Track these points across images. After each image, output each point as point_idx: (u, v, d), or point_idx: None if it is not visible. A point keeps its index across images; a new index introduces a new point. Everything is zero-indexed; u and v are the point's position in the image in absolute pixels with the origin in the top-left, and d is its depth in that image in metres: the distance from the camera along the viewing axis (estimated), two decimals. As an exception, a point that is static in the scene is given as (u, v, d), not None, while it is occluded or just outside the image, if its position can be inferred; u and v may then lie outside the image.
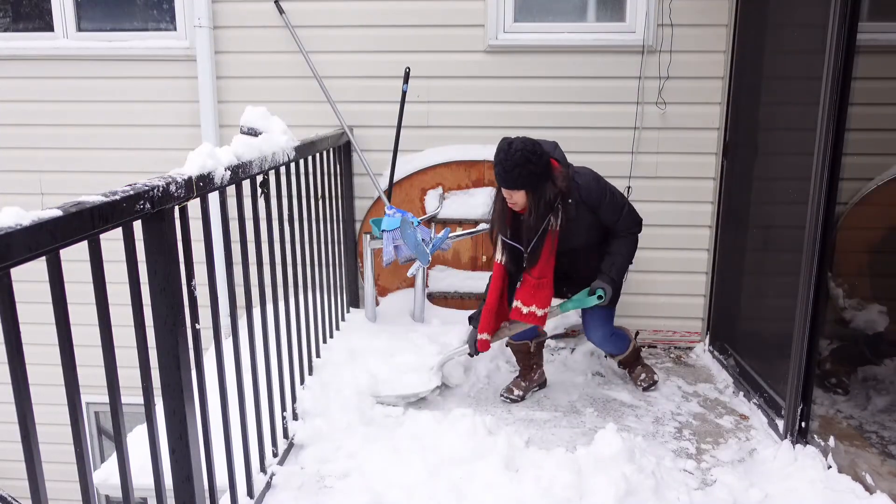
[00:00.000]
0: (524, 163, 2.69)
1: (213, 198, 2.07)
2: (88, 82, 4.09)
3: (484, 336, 3.03)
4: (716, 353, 3.80)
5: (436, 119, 3.97)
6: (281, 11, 3.86)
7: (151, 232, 1.70)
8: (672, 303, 4.05)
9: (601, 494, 2.33)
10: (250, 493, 2.34)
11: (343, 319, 3.77)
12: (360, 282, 4.08)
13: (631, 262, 3.02)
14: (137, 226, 1.62)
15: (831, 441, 2.61)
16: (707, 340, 3.96)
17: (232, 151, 2.15)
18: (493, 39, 3.85)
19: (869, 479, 2.41)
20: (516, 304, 2.98)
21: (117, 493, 1.77)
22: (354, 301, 4.09)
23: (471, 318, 3.19)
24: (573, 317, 3.75)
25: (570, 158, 2.96)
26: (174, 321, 1.76)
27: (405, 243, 3.29)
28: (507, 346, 3.36)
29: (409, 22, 3.87)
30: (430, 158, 3.93)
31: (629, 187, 3.86)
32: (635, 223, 2.98)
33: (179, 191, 1.75)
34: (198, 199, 1.90)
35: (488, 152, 3.88)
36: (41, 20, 4.09)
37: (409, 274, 3.58)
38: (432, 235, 3.39)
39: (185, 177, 1.80)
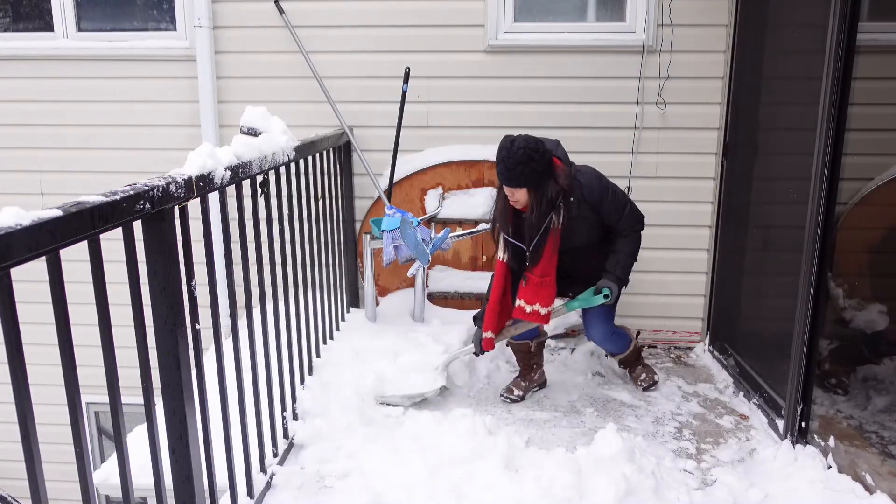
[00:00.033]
0: (526, 160, 2.69)
1: (213, 198, 2.07)
2: (88, 82, 4.10)
3: (488, 334, 3.03)
4: (716, 353, 3.80)
5: (436, 119, 3.97)
6: (281, 11, 3.86)
7: (151, 232, 1.70)
8: (672, 303, 4.05)
9: (601, 494, 2.33)
10: (250, 493, 2.34)
11: (343, 319, 3.77)
12: (360, 282, 4.08)
13: (636, 260, 3.02)
14: (137, 226, 1.62)
15: (831, 441, 2.61)
16: (707, 340, 3.96)
17: (232, 151, 2.15)
18: (493, 39, 3.85)
19: (869, 479, 2.41)
20: (519, 302, 2.97)
21: (117, 493, 1.77)
22: (354, 301, 4.09)
23: (475, 318, 3.20)
24: (573, 317, 3.76)
25: (570, 158, 2.96)
26: (174, 321, 1.76)
27: (405, 243, 3.29)
28: (507, 345, 3.36)
29: (409, 22, 3.87)
30: (430, 158, 3.94)
31: (629, 187, 3.86)
32: (637, 221, 2.98)
33: (179, 191, 1.75)
34: (198, 199, 1.90)
35: (488, 152, 3.90)
36: (41, 20, 4.09)
37: (409, 274, 3.58)
38: (432, 235, 3.39)
39: (185, 177, 1.80)
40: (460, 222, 3.86)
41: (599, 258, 3.02)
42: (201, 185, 1.88)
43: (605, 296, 2.95)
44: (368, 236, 3.59)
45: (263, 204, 2.48)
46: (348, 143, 3.89)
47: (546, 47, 3.84)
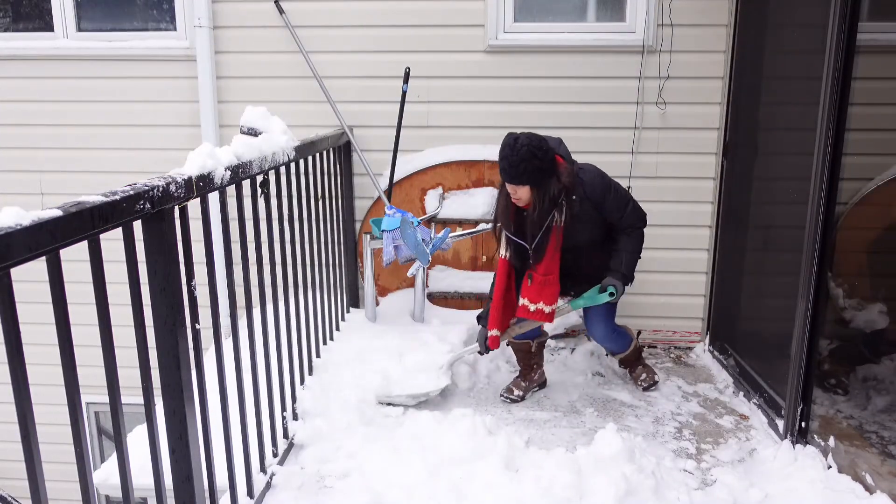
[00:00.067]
0: (530, 158, 2.69)
1: (213, 198, 2.07)
2: (88, 82, 4.10)
3: (494, 332, 3.02)
4: (716, 353, 3.80)
5: (436, 119, 3.97)
6: (281, 11, 3.86)
7: (151, 232, 1.70)
8: (672, 303, 4.05)
9: (601, 494, 2.33)
10: (250, 493, 2.34)
11: (343, 319, 3.77)
12: (360, 282, 4.08)
13: (639, 258, 3.02)
14: (137, 226, 1.62)
15: (831, 441, 2.61)
16: (707, 340, 3.96)
17: (232, 151, 2.15)
18: (493, 39, 3.85)
19: (869, 479, 2.41)
20: (523, 301, 2.97)
21: (117, 493, 1.77)
22: (354, 301, 4.09)
23: (479, 317, 3.19)
24: (573, 317, 3.76)
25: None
26: (174, 321, 1.76)
27: (405, 243, 3.29)
28: (507, 345, 3.36)
29: (409, 22, 3.87)
30: (430, 158, 3.94)
31: (629, 187, 3.86)
32: (639, 219, 2.99)
33: (179, 191, 1.75)
34: (198, 199, 1.90)
35: (488, 152, 3.90)
36: (41, 20, 4.09)
37: (409, 274, 3.58)
38: (432, 235, 3.39)
39: (185, 177, 1.80)
40: (460, 222, 3.86)
41: (601, 257, 3.02)
42: (201, 185, 1.88)
43: (611, 294, 2.95)
44: (368, 236, 3.59)
45: (263, 204, 2.48)
46: (348, 143, 3.89)
47: (546, 47, 3.84)
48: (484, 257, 3.99)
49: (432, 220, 3.82)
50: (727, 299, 3.79)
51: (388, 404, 3.08)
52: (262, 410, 2.46)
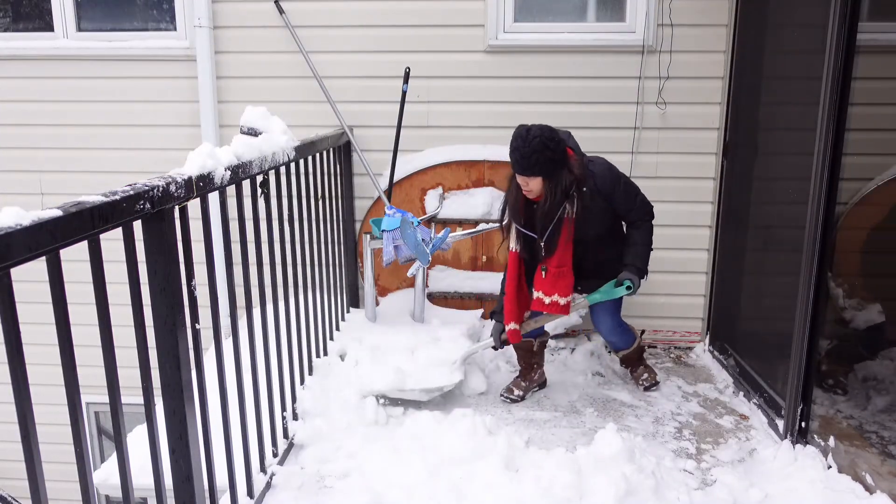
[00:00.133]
0: (542, 149, 2.69)
1: (213, 198, 2.07)
2: (88, 82, 4.09)
3: (512, 326, 3.01)
4: (716, 353, 3.80)
5: (436, 119, 3.97)
6: (281, 11, 3.86)
7: (151, 232, 1.70)
8: (672, 303, 4.05)
9: (601, 494, 2.33)
10: (250, 493, 2.34)
11: (343, 319, 3.77)
12: (360, 282, 4.08)
13: (651, 250, 3.03)
14: (137, 226, 1.63)
15: (831, 441, 2.61)
16: (707, 340, 3.96)
17: (232, 151, 2.15)
18: (493, 39, 3.85)
19: (869, 479, 2.41)
20: (538, 295, 2.97)
21: (117, 493, 1.77)
22: (354, 301, 4.09)
23: (493, 313, 3.19)
24: (573, 317, 3.75)
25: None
26: (174, 321, 1.76)
27: (405, 243, 3.29)
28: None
29: (409, 22, 3.87)
30: (430, 158, 3.93)
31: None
32: (648, 212, 3.00)
33: (179, 191, 1.75)
34: (198, 199, 1.90)
35: (488, 152, 3.90)
36: (41, 20, 4.09)
37: (409, 274, 3.58)
38: (432, 235, 3.39)
39: (185, 177, 1.80)
40: (460, 222, 3.86)
41: (607, 251, 3.03)
42: (201, 185, 1.88)
43: (628, 287, 2.96)
44: (368, 236, 3.59)
45: (263, 204, 2.48)
46: (348, 143, 3.89)
47: (546, 47, 3.84)
48: (484, 257, 3.99)
49: (432, 220, 3.82)
50: (727, 299, 3.79)
51: (398, 400, 3.07)
52: (262, 410, 2.46)
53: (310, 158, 3.13)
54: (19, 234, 1.19)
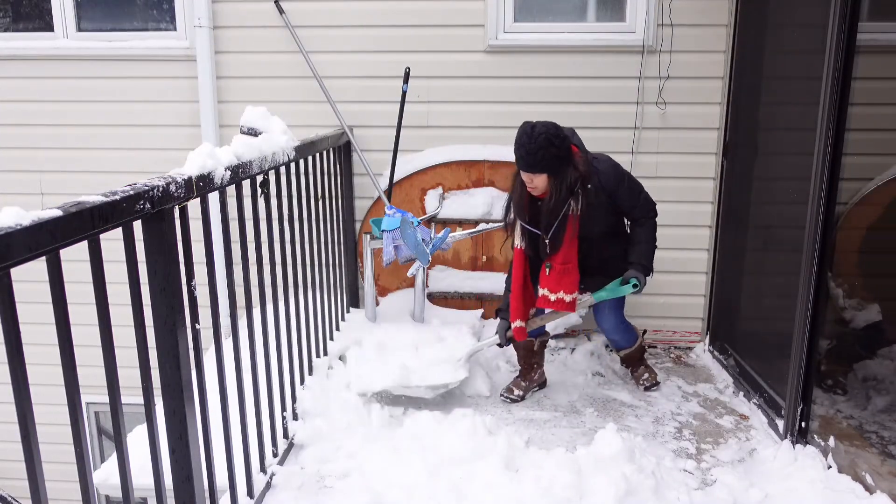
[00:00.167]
0: (547, 146, 2.69)
1: (213, 198, 2.07)
2: (88, 82, 4.09)
3: (518, 324, 3.01)
4: (716, 353, 3.80)
5: (436, 119, 3.97)
6: (281, 11, 3.86)
7: (151, 232, 1.70)
8: (672, 303, 4.05)
9: (601, 494, 2.33)
10: (250, 493, 2.34)
11: (343, 319, 3.77)
12: (360, 282, 4.08)
13: (656, 247, 3.04)
14: (137, 226, 1.62)
15: (831, 441, 2.61)
16: (707, 340, 3.96)
17: (232, 151, 2.15)
18: (493, 39, 3.85)
19: (869, 479, 2.41)
20: (543, 292, 2.97)
21: (117, 493, 1.77)
22: (354, 301, 4.09)
23: (498, 311, 3.19)
24: (573, 317, 3.75)
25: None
26: (174, 321, 1.76)
27: (405, 243, 3.29)
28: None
29: (409, 22, 3.87)
30: (430, 158, 3.93)
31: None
32: (651, 209, 3.01)
33: (179, 191, 1.75)
34: (198, 199, 1.90)
35: (488, 152, 3.90)
36: (41, 20, 4.09)
37: (409, 274, 3.58)
38: (432, 235, 3.39)
39: (185, 177, 1.80)
40: (460, 222, 3.86)
41: (611, 249, 3.03)
42: (201, 185, 1.88)
43: (634, 285, 2.96)
44: (368, 236, 3.59)
45: (263, 204, 2.48)
46: (348, 143, 3.89)
47: (546, 47, 3.84)
48: (484, 257, 3.99)
49: (432, 220, 3.82)
50: (727, 299, 3.79)
51: (399, 399, 3.07)
52: (262, 410, 2.46)
53: (310, 158, 3.13)
54: (19, 234, 1.19)
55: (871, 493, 2.37)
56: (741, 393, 3.31)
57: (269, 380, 2.53)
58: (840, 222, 3.39)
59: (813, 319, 2.66)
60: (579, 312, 3.70)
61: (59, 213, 1.31)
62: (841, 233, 3.40)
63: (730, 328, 3.75)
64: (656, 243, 3.04)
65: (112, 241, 1.55)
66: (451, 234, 3.49)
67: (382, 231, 3.34)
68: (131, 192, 1.55)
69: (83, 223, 1.38)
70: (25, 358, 1.28)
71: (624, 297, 3.15)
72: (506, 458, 2.52)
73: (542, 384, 3.38)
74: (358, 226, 4.07)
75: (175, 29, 4.03)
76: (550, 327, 3.56)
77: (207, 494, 2.00)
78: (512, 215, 2.98)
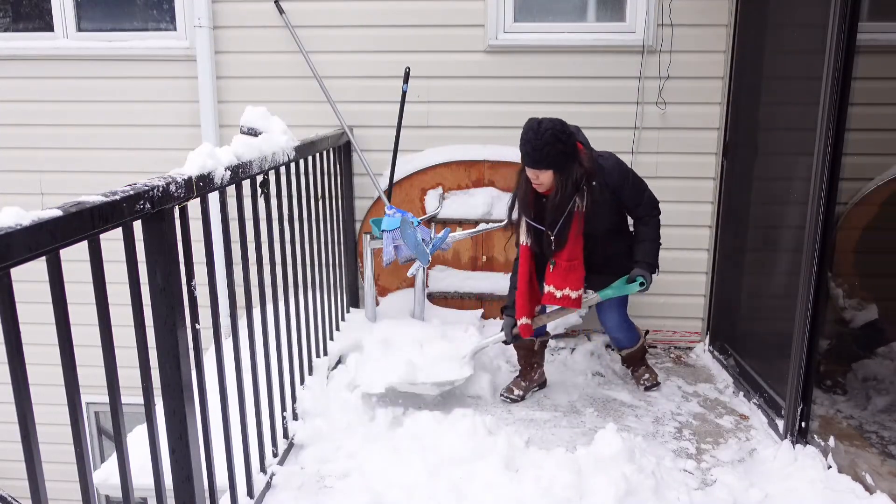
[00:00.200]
0: (554, 142, 2.69)
1: (213, 198, 2.07)
2: (88, 82, 4.09)
3: (524, 321, 3.01)
4: (716, 353, 3.80)
5: (436, 119, 3.97)
6: (281, 11, 3.86)
7: (151, 232, 1.70)
8: (672, 303, 4.05)
9: (601, 494, 2.33)
10: (250, 493, 2.34)
11: (343, 319, 3.77)
12: (360, 282, 4.08)
13: (660, 244, 3.04)
14: (137, 226, 1.62)
15: (831, 441, 2.61)
16: (707, 340, 3.96)
17: (232, 151, 2.15)
18: (493, 39, 3.85)
19: (869, 479, 2.41)
20: (549, 288, 2.97)
21: (117, 493, 1.77)
22: (354, 301, 4.09)
23: (504, 308, 3.19)
24: (573, 317, 3.75)
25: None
26: (174, 321, 1.76)
27: (405, 243, 3.29)
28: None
29: (409, 22, 3.87)
30: (430, 158, 3.93)
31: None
32: (654, 207, 3.02)
33: (179, 191, 1.75)
34: (198, 199, 1.90)
35: (488, 152, 3.90)
36: (41, 20, 4.09)
37: (409, 274, 3.58)
38: (432, 235, 3.39)
39: (185, 177, 1.80)
40: (460, 222, 3.86)
41: (615, 246, 3.04)
42: (201, 185, 1.88)
43: (641, 283, 2.97)
44: (368, 236, 3.59)
45: (263, 204, 2.48)
46: (348, 143, 3.89)
47: (546, 47, 3.84)
48: (484, 257, 3.99)
49: (432, 220, 3.82)
50: (727, 299, 3.79)
51: (398, 399, 3.07)
52: (262, 410, 2.46)
53: (310, 158, 3.13)
54: (19, 234, 1.19)
55: (871, 493, 2.37)
56: (741, 393, 3.31)
57: (269, 380, 2.53)
58: (840, 222, 3.39)
59: (813, 319, 2.66)
60: (579, 312, 3.70)
61: (59, 213, 1.31)
62: (841, 233, 3.40)
63: (730, 328, 3.75)
64: (660, 241, 3.04)
65: (112, 241, 1.55)
66: (451, 234, 3.49)
67: (382, 231, 3.34)
68: (131, 192, 1.55)
69: (83, 223, 1.38)
70: (25, 358, 1.28)
71: (627, 296, 3.16)
72: (506, 458, 2.52)
73: (542, 384, 3.38)
74: (358, 226, 4.07)
75: (175, 29, 4.03)
76: (550, 327, 3.56)
77: (207, 494, 2.00)
78: (517, 212, 2.98)
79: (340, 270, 3.74)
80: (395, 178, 3.83)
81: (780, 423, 2.86)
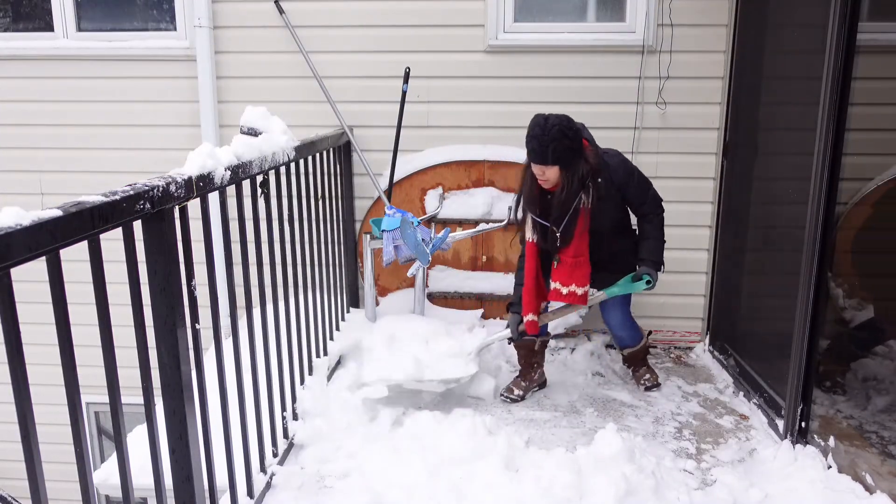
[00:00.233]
0: (560, 138, 2.69)
1: (213, 198, 2.07)
2: (88, 82, 4.09)
3: (531, 317, 3.01)
4: (716, 353, 3.80)
5: (436, 119, 3.97)
6: (281, 11, 3.86)
7: (151, 232, 1.70)
8: (672, 303, 4.05)
9: (601, 494, 2.33)
10: (250, 493, 2.34)
11: (343, 319, 3.77)
12: (360, 282, 4.08)
13: (665, 242, 3.04)
14: (137, 226, 1.62)
15: (831, 441, 2.61)
16: (707, 340, 3.96)
17: (232, 151, 2.15)
18: (493, 39, 3.85)
19: (869, 479, 2.41)
20: (555, 285, 2.97)
21: (117, 493, 1.77)
22: (354, 301, 4.09)
23: (509, 306, 3.19)
24: (573, 317, 3.75)
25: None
26: (174, 321, 1.76)
27: (405, 243, 3.29)
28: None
29: (409, 22, 3.87)
30: (430, 158, 3.93)
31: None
32: (658, 204, 3.03)
33: (179, 191, 1.75)
34: (198, 199, 1.90)
35: (488, 152, 3.90)
36: (41, 20, 4.09)
37: (409, 274, 3.58)
38: (432, 235, 3.39)
39: (185, 177, 1.80)
40: (460, 222, 3.86)
41: (620, 244, 3.04)
42: (201, 185, 1.88)
43: (647, 282, 2.97)
44: (368, 236, 3.59)
45: (263, 204, 2.48)
46: (348, 143, 3.89)
47: (546, 47, 3.84)
48: (484, 257, 3.99)
49: (432, 220, 3.82)
50: (727, 299, 3.79)
51: (398, 399, 3.07)
52: (262, 410, 2.46)
53: (310, 158, 3.13)
54: (19, 234, 1.19)
55: (871, 493, 2.37)
56: (741, 393, 3.31)
57: (269, 380, 2.53)
58: (840, 222, 3.39)
59: (813, 319, 2.66)
60: (580, 311, 3.70)
61: (59, 213, 1.31)
62: (841, 233, 3.40)
63: (730, 328, 3.75)
64: (664, 239, 3.04)
65: (112, 241, 1.55)
66: (451, 234, 3.49)
67: (382, 231, 3.34)
68: (131, 192, 1.55)
69: (83, 223, 1.38)
70: (25, 358, 1.28)
71: (631, 295, 3.16)
72: (506, 458, 2.52)
73: (543, 384, 3.38)
74: (358, 226, 4.07)
75: (175, 29, 4.03)
76: (551, 327, 3.56)
77: (207, 494, 2.00)
78: (522, 209, 2.98)
79: (340, 270, 3.74)
80: (395, 178, 3.83)
81: (780, 423, 2.86)
